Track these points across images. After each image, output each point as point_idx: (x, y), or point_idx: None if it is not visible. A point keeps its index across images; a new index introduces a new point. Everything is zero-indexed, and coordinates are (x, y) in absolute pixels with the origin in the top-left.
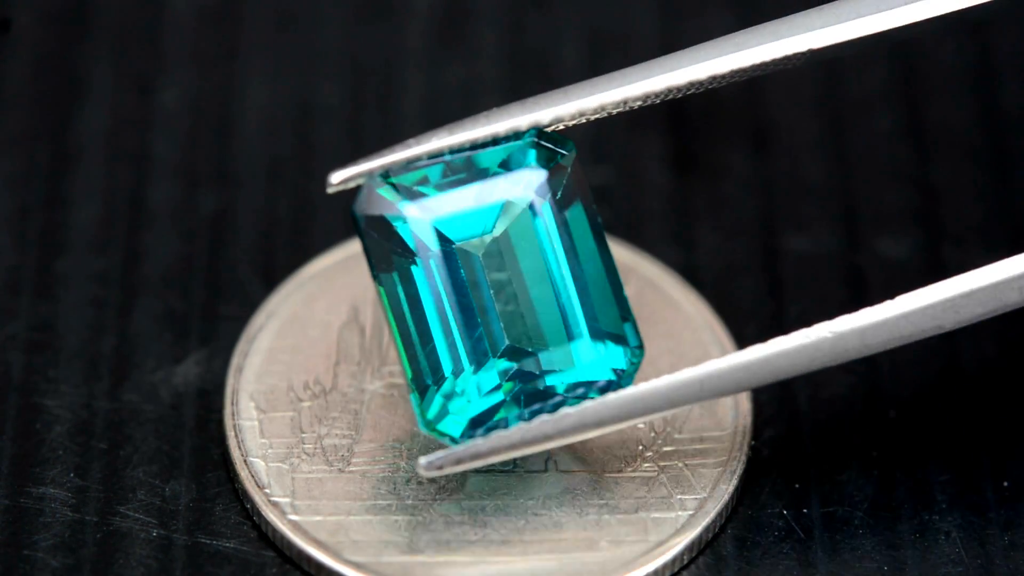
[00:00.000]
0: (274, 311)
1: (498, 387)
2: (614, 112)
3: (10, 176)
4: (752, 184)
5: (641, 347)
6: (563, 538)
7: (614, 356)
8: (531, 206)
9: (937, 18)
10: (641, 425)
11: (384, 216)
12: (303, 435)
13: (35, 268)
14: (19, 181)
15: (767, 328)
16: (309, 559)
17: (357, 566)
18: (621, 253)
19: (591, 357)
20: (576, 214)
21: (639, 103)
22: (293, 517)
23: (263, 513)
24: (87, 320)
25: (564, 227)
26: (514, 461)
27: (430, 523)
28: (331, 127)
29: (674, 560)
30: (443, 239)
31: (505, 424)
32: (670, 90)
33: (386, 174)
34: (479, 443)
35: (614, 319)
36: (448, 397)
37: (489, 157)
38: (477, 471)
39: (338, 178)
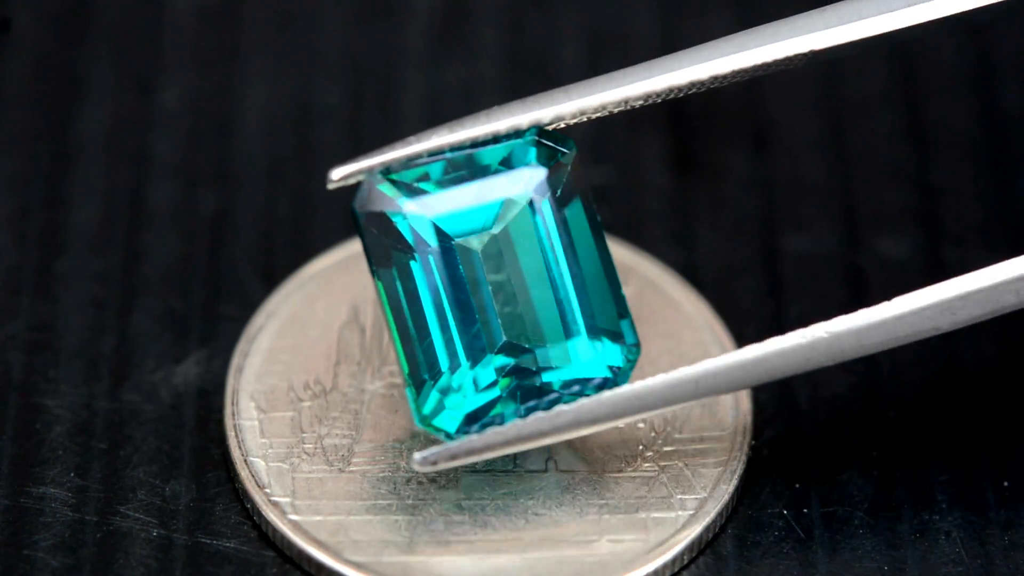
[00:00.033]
0: (274, 311)
1: (494, 383)
2: (615, 111)
3: (10, 176)
4: (752, 184)
5: (638, 345)
6: (563, 538)
7: (611, 353)
8: (531, 204)
9: (939, 20)
10: (641, 425)
11: (384, 212)
12: (303, 435)
13: (35, 268)
14: (19, 181)
15: (767, 328)
16: (309, 559)
17: (357, 566)
18: (621, 253)
19: (588, 354)
20: (575, 212)
21: (640, 102)
22: (293, 517)
23: (263, 513)
24: (87, 320)
25: (563, 225)
26: (514, 460)
27: (430, 523)
28: (331, 127)
29: (674, 560)
30: (442, 235)
31: (501, 420)
32: (671, 90)
33: (386, 171)
34: (474, 439)
35: (611, 317)
36: (444, 392)
37: (490, 154)
38: (477, 470)
39: (338, 174)
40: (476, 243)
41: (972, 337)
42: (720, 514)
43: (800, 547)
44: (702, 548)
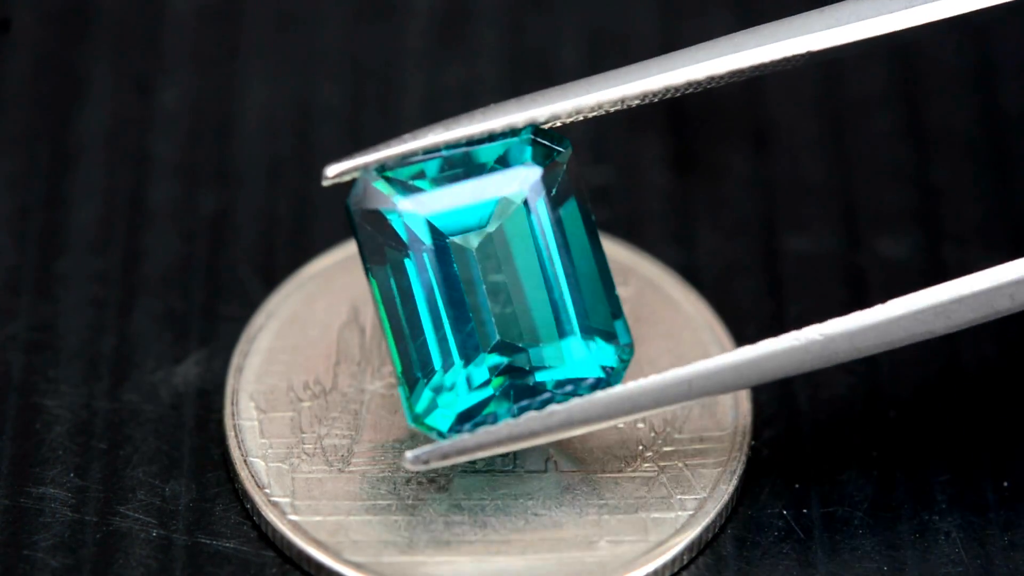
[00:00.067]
0: (274, 311)
1: (488, 382)
2: (611, 110)
3: (10, 176)
4: (752, 184)
5: (631, 345)
6: (563, 538)
7: (604, 353)
8: (526, 203)
9: (938, 22)
10: (641, 425)
11: (379, 210)
12: (303, 435)
13: (35, 268)
14: (19, 181)
15: (767, 328)
16: (309, 559)
17: (357, 566)
18: (621, 253)
19: (582, 354)
20: (570, 211)
21: (637, 102)
22: (293, 517)
23: (263, 513)
24: (87, 320)
25: (558, 224)
26: (514, 461)
27: (430, 523)
28: (331, 127)
29: (674, 560)
30: (436, 233)
31: (494, 420)
32: (668, 89)
33: (382, 168)
34: (466, 438)
35: (605, 316)
36: (437, 391)
37: (487, 152)
38: (477, 470)
39: (334, 171)
40: (471, 241)
41: (972, 337)
42: (720, 514)
43: (800, 547)
44: (702, 548)
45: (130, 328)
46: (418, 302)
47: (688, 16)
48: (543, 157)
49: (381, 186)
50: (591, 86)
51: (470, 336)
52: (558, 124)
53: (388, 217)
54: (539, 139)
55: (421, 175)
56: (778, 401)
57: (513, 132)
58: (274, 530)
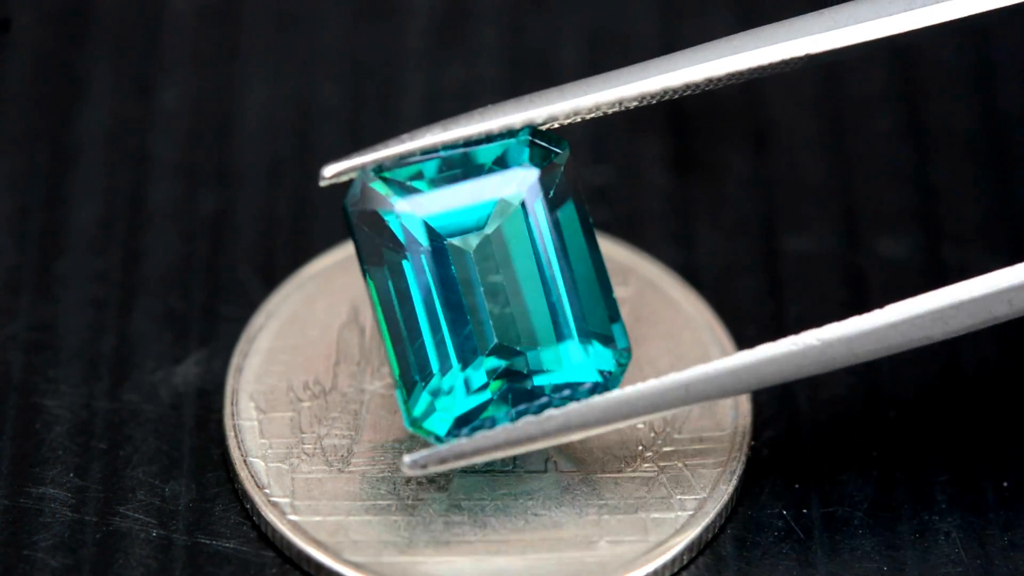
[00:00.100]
0: (274, 311)
1: (485, 386)
2: (609, 112)
3: (10, 176)
4: (752, 184)
5: (629, 349)
6: (562, 538)
7: (602, 358)
8: (523, 205)
9: (937, 25)
10: (641, 425)
11: (376, 211)
12: (303, 435)
13: (35, 268)
14: (19, 181)
15: (767, 328)
16: (309, 559)
17: (357, 566)
18: (621, 253)
19: (580, 358)
20: (568, 213)
21: (635, 103)
22: (293, 517)
23: (263, 513)
24: (87, 320)
25: (556, 226)
26: (514, 461)
27: (430, 523)
28: (331, 127)
29: (674, 560)
30: (434, 235)
31: (492, 424)
32: (666, 91)
33: (379, 168)
34: (463, 443)
35: (603, 320)
36: (435, 394)
37: (486, 153)
38: (476, 470)
39: (331, 171)
40: (468, 243)
41: (972, 337)
42: (720, 514)
43: (800, 547)
44: (702, 548)
45: (130, 328)
46: (416, 304)
47: (688, 16)
48: (541, 159)
49: (378, 187)
50: (589, 87)
51: (468, 339)
52: (555, 125)
53: (385, 218)
54: (537, 140)
55: (419, 176)
56: (778, 401)
57: (511, 133)
58: (274, 530)
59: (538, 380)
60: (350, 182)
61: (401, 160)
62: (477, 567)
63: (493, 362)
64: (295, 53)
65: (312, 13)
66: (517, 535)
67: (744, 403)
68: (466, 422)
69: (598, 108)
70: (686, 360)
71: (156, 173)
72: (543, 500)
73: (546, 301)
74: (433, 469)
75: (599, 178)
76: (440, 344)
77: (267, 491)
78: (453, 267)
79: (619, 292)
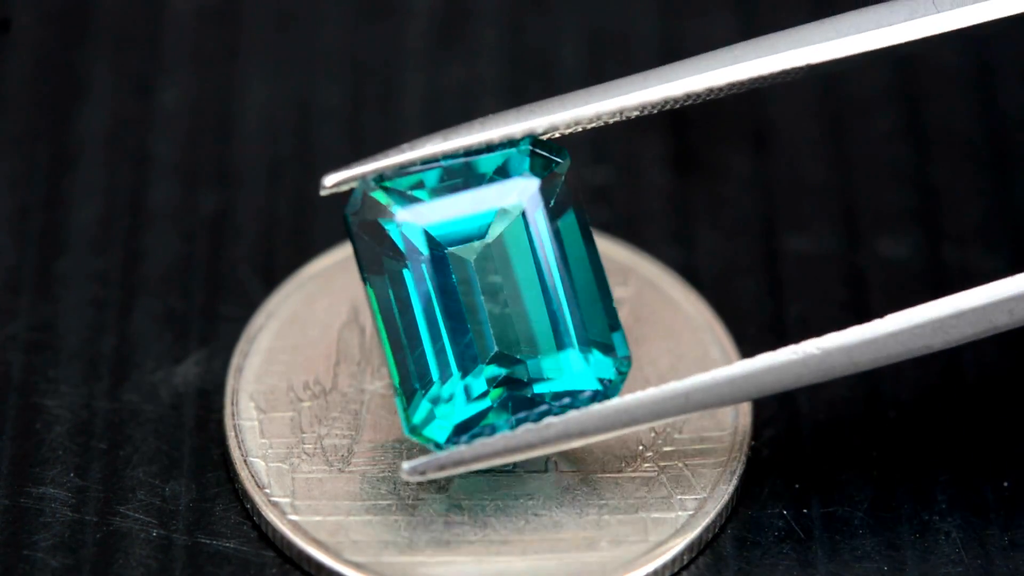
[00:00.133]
0: (274, 311)
1: (485, 393)
2: (610, 121)
3: (10, 176)
4: (752, 184)
5: (629, 357)
6: (563, 538)
7: (602, 366)
8: (524, 214)
9: (938, 35)
10: None
11: (376, 220)
12: (303, 435)
13: (35, 268)
14: (19, 181)
15: (767, 328)
16: (309, 559)
17: (357, 566)
18: (621, 253)
19: (580, 366)
20: (568, 223)
21: (635, 113)
22: (293, 517)
23: (263, 513)
24: (87, 320)
25: (556, 236)
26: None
27: (430, 523)
28: (331, 127)
29: (674, 560)
30: (434, 244)
31: (491, 431)
32: (666, 101)
33: (380, 178)
34: (463, 450)
35: (603, 328)
36: (435, 402)
37: (487, 163)
38: (477, 471)
39: (331, 181)
40: (469, 252)
41: None
42: (720, 514)
43: (800, 547)
44: (702, 548)
45: (130, 328)
46: (416, 313)
47: (688, 17)
48: (542, 168)
49: (379, 196)
50: (590, 97)
51: (468, 347)
52: (556, 135)
53: (386, 227)
54: (538, 150)
55: (420, 185)
56: (778, 401)
57: (512, 143)
58: (274, 530)
59: (538, 388)
60: (351, 190)
61: (402, 169)
62: (478, 567)
63: (493, 370)
64: (295, 53)
65: (312, 13)
66: (517, 535)
67: (744, 403)
68: (465, 430)
69: (599, 117)
70: (686, 360)
71: (156, 173)
72: (543, 500)
73: (546, 310)
74: (432, 476)
75: (599, 178)
76: (440, 352)
77: (267, 491)
78: (454, 276)
79: (619, 292)
